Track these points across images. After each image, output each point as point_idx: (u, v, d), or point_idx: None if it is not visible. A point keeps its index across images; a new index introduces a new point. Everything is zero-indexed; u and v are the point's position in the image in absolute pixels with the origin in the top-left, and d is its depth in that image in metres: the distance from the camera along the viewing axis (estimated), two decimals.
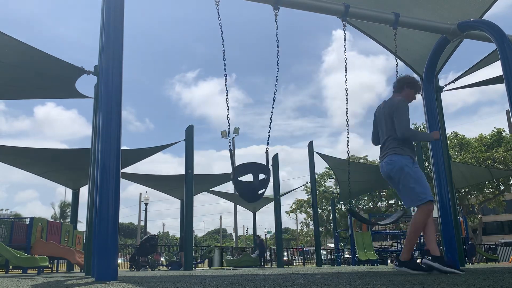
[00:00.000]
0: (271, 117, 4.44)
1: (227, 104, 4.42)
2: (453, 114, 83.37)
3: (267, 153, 4.38)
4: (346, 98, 5.18)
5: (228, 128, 4.34)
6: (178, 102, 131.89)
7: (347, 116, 5.08)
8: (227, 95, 4.45)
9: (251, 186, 4.23)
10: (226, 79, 4.45)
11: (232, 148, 4.30)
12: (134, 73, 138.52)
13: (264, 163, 4.29)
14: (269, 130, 4.42)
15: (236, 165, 4.19)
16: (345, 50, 5.38)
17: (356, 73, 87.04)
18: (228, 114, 4.36)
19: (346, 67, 5.32)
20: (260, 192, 4.24)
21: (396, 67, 5.34)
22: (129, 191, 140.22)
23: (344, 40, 5.40)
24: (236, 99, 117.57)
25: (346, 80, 5.26)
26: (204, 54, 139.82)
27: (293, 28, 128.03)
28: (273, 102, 4.57)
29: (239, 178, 4.23)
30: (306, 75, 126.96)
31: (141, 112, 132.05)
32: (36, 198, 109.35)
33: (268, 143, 4.37)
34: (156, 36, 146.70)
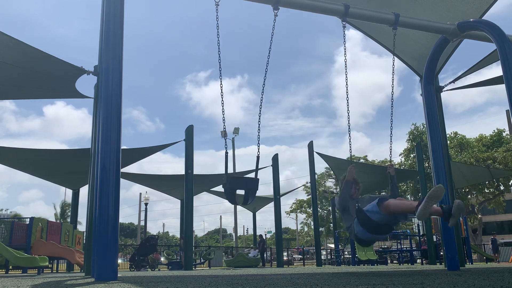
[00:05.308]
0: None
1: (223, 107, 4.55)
2: (460, 114, 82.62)
3: (258, 157, 4.59)
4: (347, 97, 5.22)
5: (224, 129, 4.46)
6: (188, 102, 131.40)
7: None
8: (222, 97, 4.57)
9: (242, 199, 4.38)
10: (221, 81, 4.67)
11: (227, 151, 4.51)
12: (145, 73, 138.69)
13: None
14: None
15: (229, 177, 4.33)
16: (345, 51, 5.39)
17: (368, 73, 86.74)
18: (223, 117, 4.57)
19: (346, 66, 5.33)
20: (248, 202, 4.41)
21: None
22: (133, 191, 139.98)
23: (344, 41, 5.40)
24: (247, 99, 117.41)
25: (346, 79, 5.30)
26: (216, 55, 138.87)
27: (302, 28, 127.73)
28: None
29: (231, 191, 4.35)
30: (316, 75, 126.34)
31: (152, 111, 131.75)
32: (40, 198, 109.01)
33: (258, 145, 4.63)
34: (167, 36, 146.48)
